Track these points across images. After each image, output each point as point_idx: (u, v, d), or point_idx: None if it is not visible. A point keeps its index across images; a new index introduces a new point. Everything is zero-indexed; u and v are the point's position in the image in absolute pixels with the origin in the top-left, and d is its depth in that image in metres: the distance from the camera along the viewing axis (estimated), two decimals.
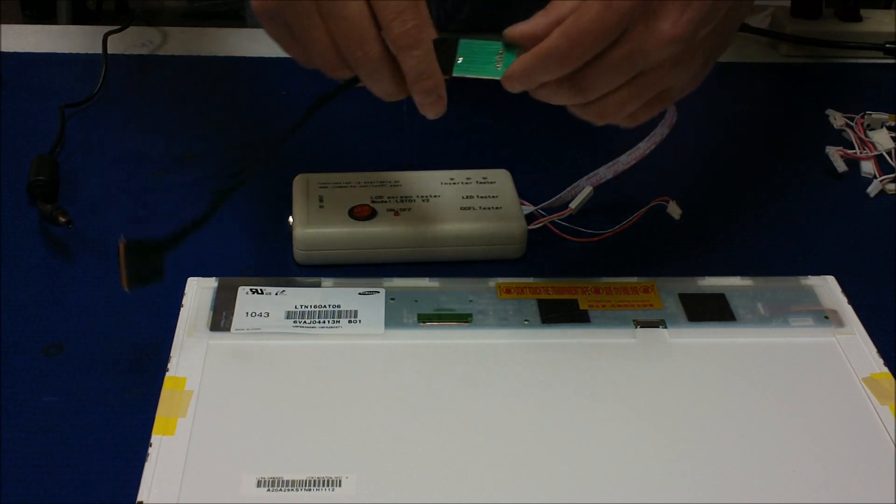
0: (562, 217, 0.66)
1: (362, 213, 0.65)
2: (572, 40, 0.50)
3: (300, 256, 0.64)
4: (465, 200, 0.66)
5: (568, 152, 0.74)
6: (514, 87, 0.53)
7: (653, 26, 0.50)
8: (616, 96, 0.52)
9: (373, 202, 0.66)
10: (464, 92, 0.84)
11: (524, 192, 0.67)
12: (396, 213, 0.65)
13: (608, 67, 0.51)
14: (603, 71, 0.51)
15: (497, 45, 0.53)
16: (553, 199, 0.66)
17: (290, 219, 0.65)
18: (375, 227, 0.64)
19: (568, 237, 0.66)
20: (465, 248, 0.65)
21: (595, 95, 0.52)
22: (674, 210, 0.66)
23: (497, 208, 0.66)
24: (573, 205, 0.66)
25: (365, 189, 0.67)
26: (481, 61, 0.54)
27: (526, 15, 0.99)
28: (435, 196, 0.66)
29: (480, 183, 0.68)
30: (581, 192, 0.66)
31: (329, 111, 0.84)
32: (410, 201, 0.66)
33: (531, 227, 0.66)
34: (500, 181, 0.68)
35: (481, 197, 0.67)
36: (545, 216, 0.66)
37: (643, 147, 0.64)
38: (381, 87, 0.54)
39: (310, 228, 0.64)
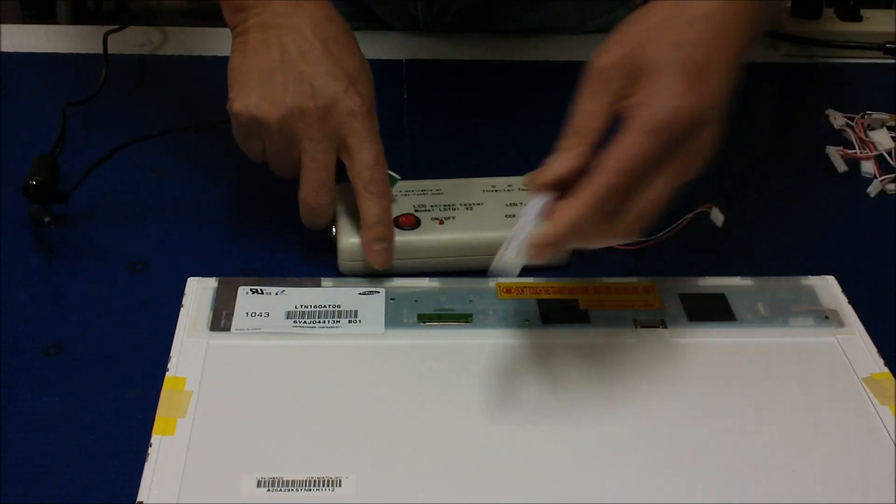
0: None
1: (407, 223, 0.64)
2: (624, 174, 0.49)
3: (346, 267, 0.63)
4: (509, 208, 0.65)
5: None
6: (548, 248, 0.51)
7: (695, 145, 0.50)
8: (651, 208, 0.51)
9: (416, 211, 0.65)
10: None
11: None
12: (441, 222, 0.64)
13: (654, 188, 0.50)
14: (649, 193, 0.50)
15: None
16: None
17: (334, 229, 0.64)
18: (420, 235, 0.63)
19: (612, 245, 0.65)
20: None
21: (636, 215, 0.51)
22: (717, 217, 0.66)
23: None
24: None
25: (406, 198, 0.66)
26: None
27: (510, 18, 1.00)
28: (478, 204, 0.66)
29: (522, 190, 0.66)
30: None
31: None
32: (454, 209, 0.65)
33: None
34: None
35: (525, 204, 0.65)
36: None
37: None
38: (313, 222, 0.63)
39: (356, 239, 0.62)
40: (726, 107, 0.52)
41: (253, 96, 0.59)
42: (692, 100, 0.49)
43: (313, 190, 0.61)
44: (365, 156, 0.60)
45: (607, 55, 0.51)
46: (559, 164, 0.51)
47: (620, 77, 0.51)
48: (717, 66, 0.51)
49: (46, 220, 0.64)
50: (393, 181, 0.63)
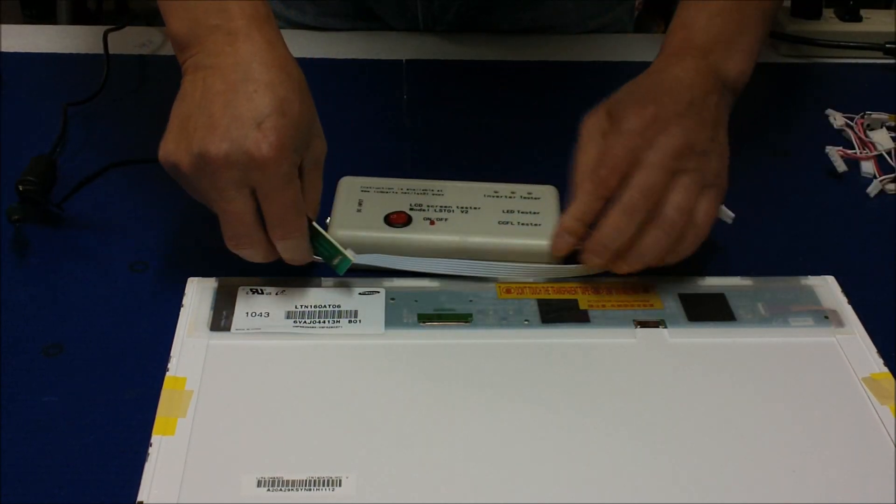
0: None
1: (398, 220, 0.64)
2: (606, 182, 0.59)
3: None
4: (505, 215, 0.65)
5: None
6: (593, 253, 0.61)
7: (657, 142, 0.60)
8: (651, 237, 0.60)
9: (410, 210, 0.65)
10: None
11: None
12: (432, 223, 0.64)
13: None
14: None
15: (338, 251, 0.60)
16: None
17: (328, 220, 0.64)
18: (408, 234, 0.63)
19: None
20: (495, 263, 0.63)
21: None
22: (725, 214, 0.65)
23: (535, 225, 0.64)
24: None
25: (406, 196, 0.66)
26: (326, 255, 0.61)
27: (510, 18, 1.00)
28: (475, 208, 0.65)
29: (524, 198, 0.66)
30: None
31: (333, 112, 0.84)
32: (449, 211, 0.65)
33: None
34: (545, 197, 0.67)
35: (522, 212, 0.65)
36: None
37: None
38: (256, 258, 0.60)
39: (343, 231, 0.63)
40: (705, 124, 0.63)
41: (171, 143, 0.57)
42: (643, 122, 0.60)
43: (230, 240, 0.58)
44: (269, 211, 0.56)
45: (591, 115, 0.63)
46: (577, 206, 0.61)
47: (602, 124, 0.62)
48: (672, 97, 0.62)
49: (14, 217, 0.63)
50: (343, 262, 0.60)
